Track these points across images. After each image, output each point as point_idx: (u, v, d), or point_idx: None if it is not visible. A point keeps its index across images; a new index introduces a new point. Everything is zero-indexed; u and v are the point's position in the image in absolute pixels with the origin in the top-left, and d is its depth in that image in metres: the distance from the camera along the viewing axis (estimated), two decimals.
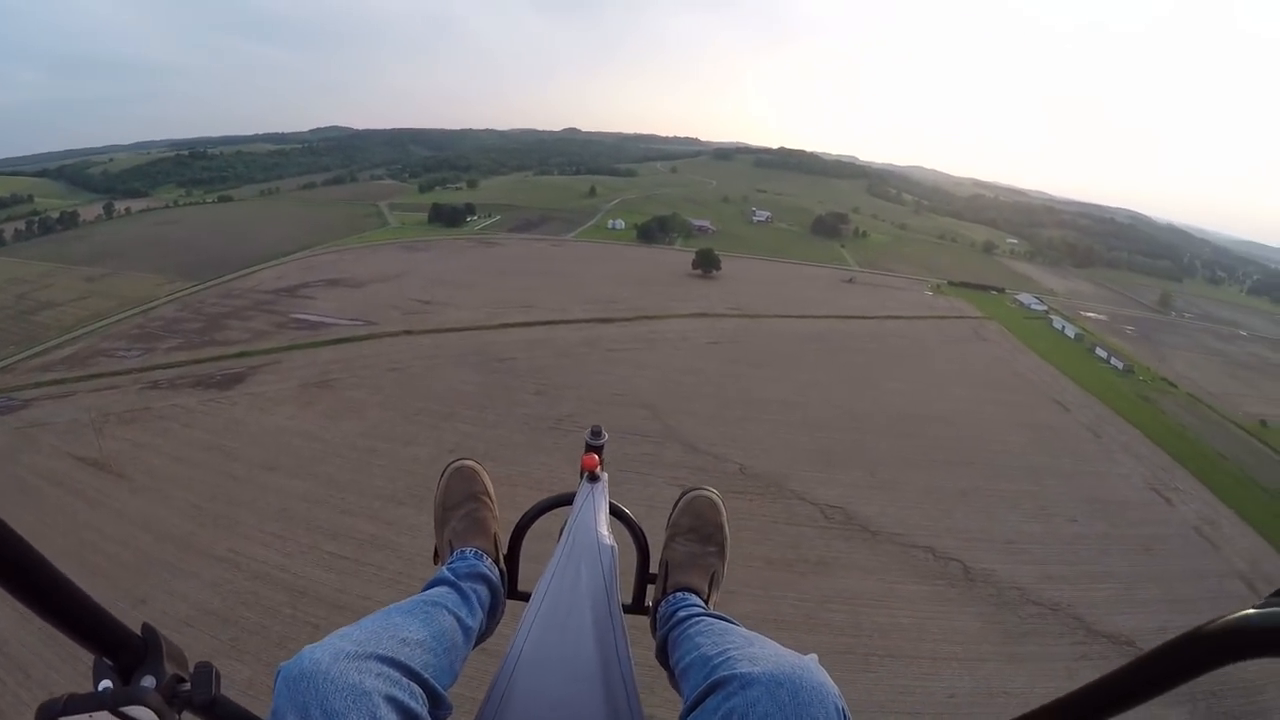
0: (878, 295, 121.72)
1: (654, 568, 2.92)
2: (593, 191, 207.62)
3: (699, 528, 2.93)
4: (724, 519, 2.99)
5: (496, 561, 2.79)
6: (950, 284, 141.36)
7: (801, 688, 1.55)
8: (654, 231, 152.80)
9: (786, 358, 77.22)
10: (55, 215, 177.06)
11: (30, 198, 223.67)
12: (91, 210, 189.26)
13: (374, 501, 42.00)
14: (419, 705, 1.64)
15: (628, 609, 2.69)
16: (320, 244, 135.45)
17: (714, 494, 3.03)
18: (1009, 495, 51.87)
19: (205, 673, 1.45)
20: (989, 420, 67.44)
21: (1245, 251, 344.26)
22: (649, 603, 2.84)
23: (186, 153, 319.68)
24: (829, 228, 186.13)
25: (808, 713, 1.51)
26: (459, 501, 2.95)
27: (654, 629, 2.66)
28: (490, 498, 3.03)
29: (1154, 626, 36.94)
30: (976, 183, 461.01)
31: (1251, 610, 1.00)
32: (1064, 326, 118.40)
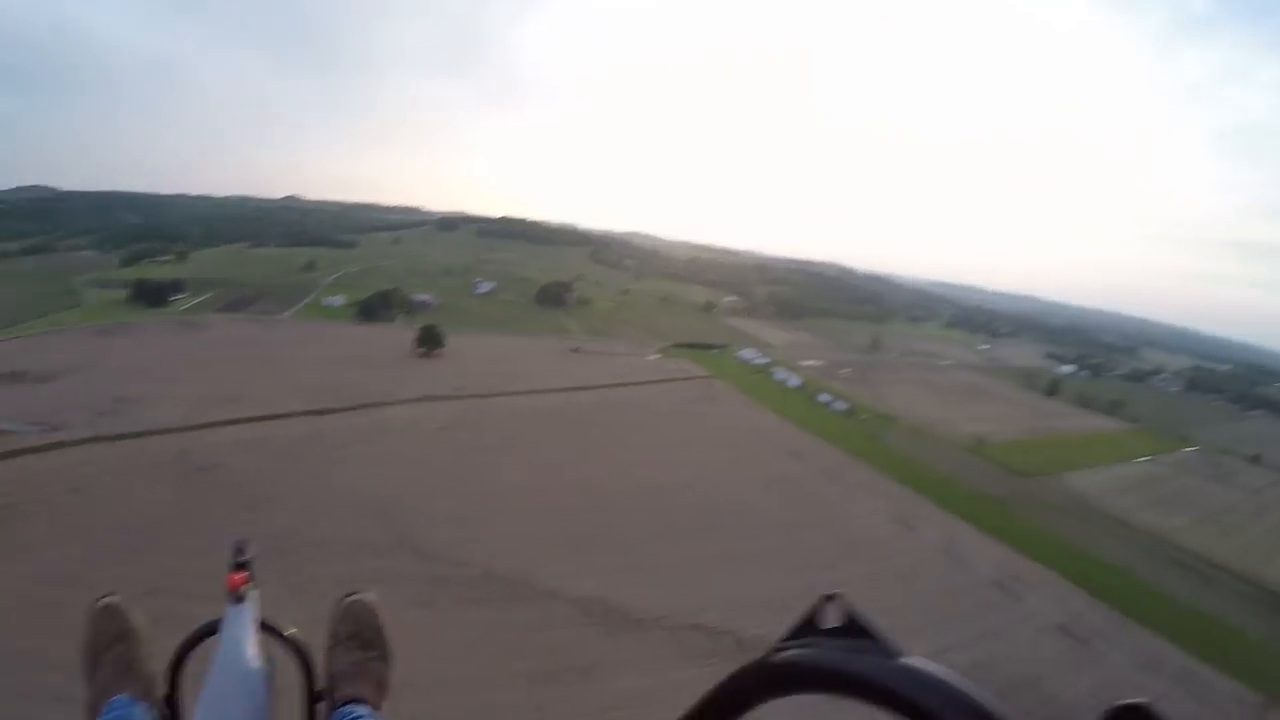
0: (606, 363, 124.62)
1: (322, 684, 2.74)
2: (311, 265, 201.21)
3: (359, 633, 2.81)
4: (382, 621, 2.88)
5: (154, 705, 2.55)
6: (676, 346, 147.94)
7: None
8: (374, 308, 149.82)
9: (522, 439, 76.99)
10: None
11: None
12: None
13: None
14: None
15: None
16: (1, 330, 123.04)
17: (369, 597, 2.93)
18: (766, 554, 53.60)
19: None
20: (733, 481, 69.78)
21: (939, 293, 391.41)
22: None
23: None
24: (553, 297, 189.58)
25: None
26: (106, 645, 2.67)
27: None
28: (141, 636, 2.74)
29: (933, 649, 38.39)
30: (693, 246, 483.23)
31: (767, 656, 1.07)
32: (786, 377, 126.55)
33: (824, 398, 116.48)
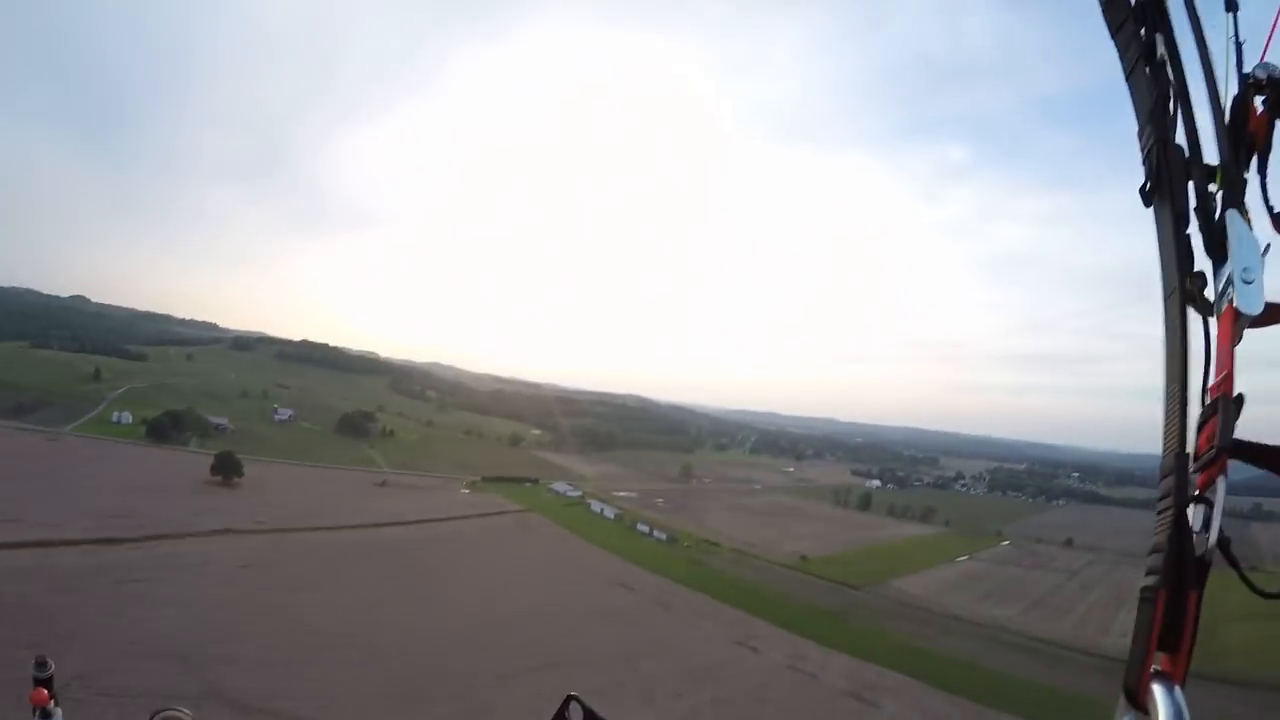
0: (415, 497, 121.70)
1: None
2: (98, 375, 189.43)
3: None
4: None
5: None
6: (485, 479, 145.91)
7: None
8: (166, 429, 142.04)
9: (334, 577, 73.43)
10: None
11: None
12: None
13: None
14: None
15: None
16: None
17: (185, 713, 2.89)
18: (612, 689, 51.65)
19: None
20: (563, 614, 68.20)
21: (740, 419, 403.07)
22: None
23: None
24: (356, 426, 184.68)
25: None
26: None
27: None
28: None
29: None
30: (495, 378, 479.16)
31: None
32: (601, 509, 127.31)
33: (643, 528, 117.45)
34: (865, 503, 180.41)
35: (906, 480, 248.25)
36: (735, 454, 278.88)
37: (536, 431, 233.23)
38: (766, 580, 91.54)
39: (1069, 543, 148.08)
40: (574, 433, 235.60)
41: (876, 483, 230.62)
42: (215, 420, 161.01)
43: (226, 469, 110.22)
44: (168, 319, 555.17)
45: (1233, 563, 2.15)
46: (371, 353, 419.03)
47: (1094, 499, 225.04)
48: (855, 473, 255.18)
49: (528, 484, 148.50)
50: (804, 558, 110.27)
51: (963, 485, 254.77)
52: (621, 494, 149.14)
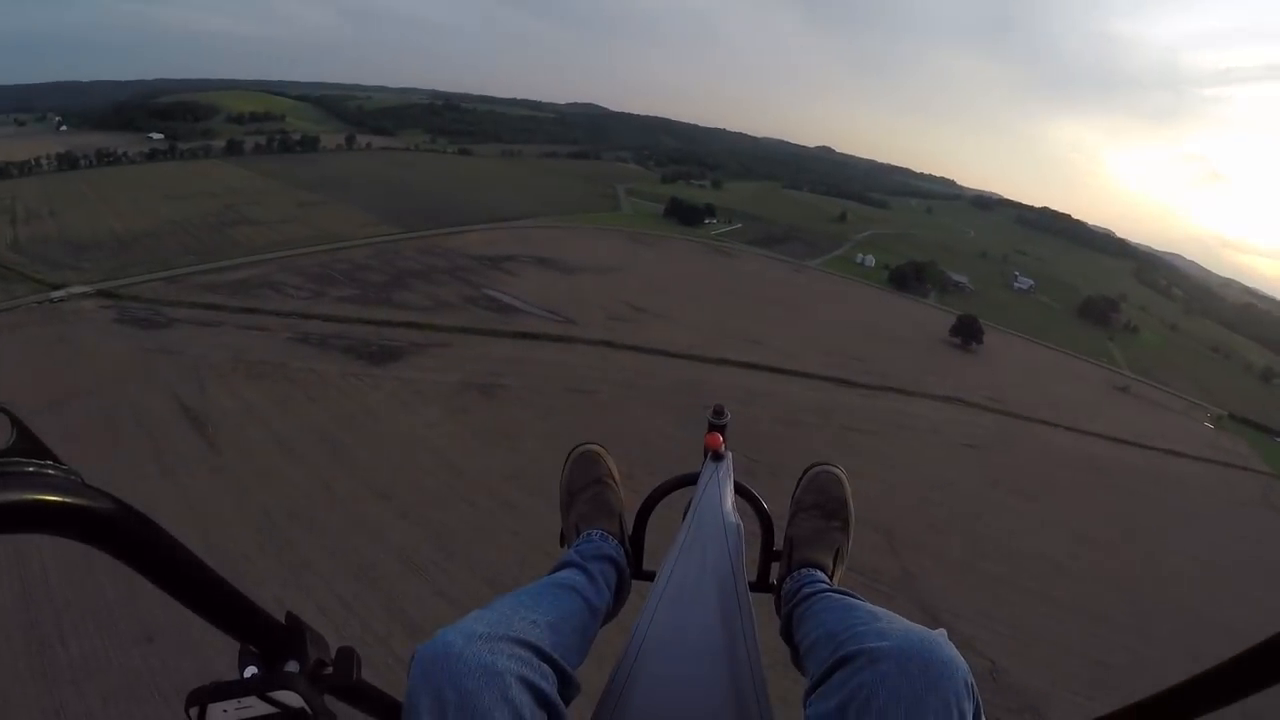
0: (1154, 416, 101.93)
1: (778, 545, 2.77)
2: (843, 217, 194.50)
3: (823, 503, 2.79)
4: (848, 494, 2.83)
5: (622, 543, 2.72)
6: (1231, 418, 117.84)
7: (932, 662, 1.53)
8: (907, 278, 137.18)
9: (1056, 489, 60.06)
10: (297, 137, 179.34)
11: (283, 117, 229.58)
12: (334, 139, 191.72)
13: (484, 589, 29.12)
14: (549, 685, 1.68)
15: (753, 587, 2.62)
16: (544, 215, 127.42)
17: (838, 469, 2.86)
18: None
19: (347, 657, 1.50)
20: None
21: None
22: (774, 580, 2.72)
23: (440, 101, 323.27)
24: (1098, 313, 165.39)
25: (937, 687, 1.49)
26: (584, 485, 2.89)
27: (778, 607, 2.54)
28: (615, 480, 2.95)
29: None
30: (1244, 288, 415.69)
31: None
32: None
33: None
34: None
35: None
36: None
37: None
38: None
39: None
40: None
41: None
42: (956, 277, 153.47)
43: (967, 332, 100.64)
44: (906, 172, 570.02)
45: None
46: (1108, 229, 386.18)
47: None
48: None
49: (1278, 439, 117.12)
50: None
51: None
52: None
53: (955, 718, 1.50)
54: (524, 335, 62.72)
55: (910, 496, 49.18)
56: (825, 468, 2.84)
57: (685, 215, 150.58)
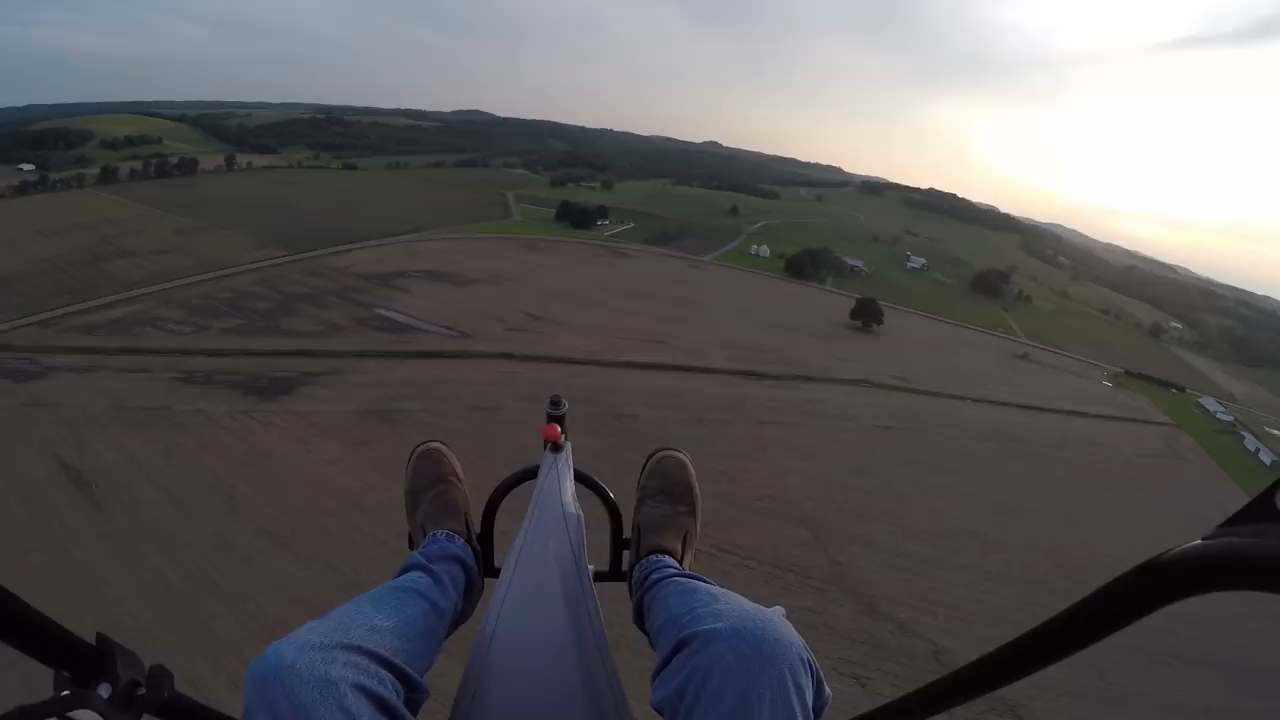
0: (1053, 380, 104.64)
1: (628, 533, 2.84)
2: (735, 210, 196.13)
3: (668, 488, 2.85)
4: (693, 478, 2.89)
5: (469, 541, 2.72)
6: (1128, 374, 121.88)
7: (764, 640, 1.59)
8: (804, 266, 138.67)
9: (972, 462, 60.97)
10: (175, 160, 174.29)
11: (160, 140, 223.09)
12: (214, 160, 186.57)
13: None
14: (389, 692, 1.67)
15: (605, 576, 2.74)
16: (434, 228, 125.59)
17: (682, 454, 2.93)
18: None
19: (159, 675, 1.48)
20: (1212, 600, 49.27)
21: None
22: (625, 568, 2.79)
23: (323, 115, 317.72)
24: (990, 286, 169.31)
25: (771, 665, 1.56)
26: (427, 485, 2.87)
27: (630, 594, 2.62)
28: (459, 478, 2.94)
29: None
30: (1125, 251, 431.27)
31: (1201, 541, 0.97)
32: (1258, 449, 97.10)
33: None
34: None
35: None
36: None
37: (1177, 325, 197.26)
38: None
39: None
40: (1218, 336, 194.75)
41: None
42: (851, 262, 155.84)
43: (868, 314, 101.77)
44: (793, 162, 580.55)
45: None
46: (992, 206, 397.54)
47: None
48: None
49: (1173, 390, 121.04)
50: None
51: None
52: (1276, 432, 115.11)
53: (791, 693, 1.56)
54: (421, 354, 61.04)
55: (830, 486, 49.19)
56: (668, 452, 2.88)
57: (577, 218, 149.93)
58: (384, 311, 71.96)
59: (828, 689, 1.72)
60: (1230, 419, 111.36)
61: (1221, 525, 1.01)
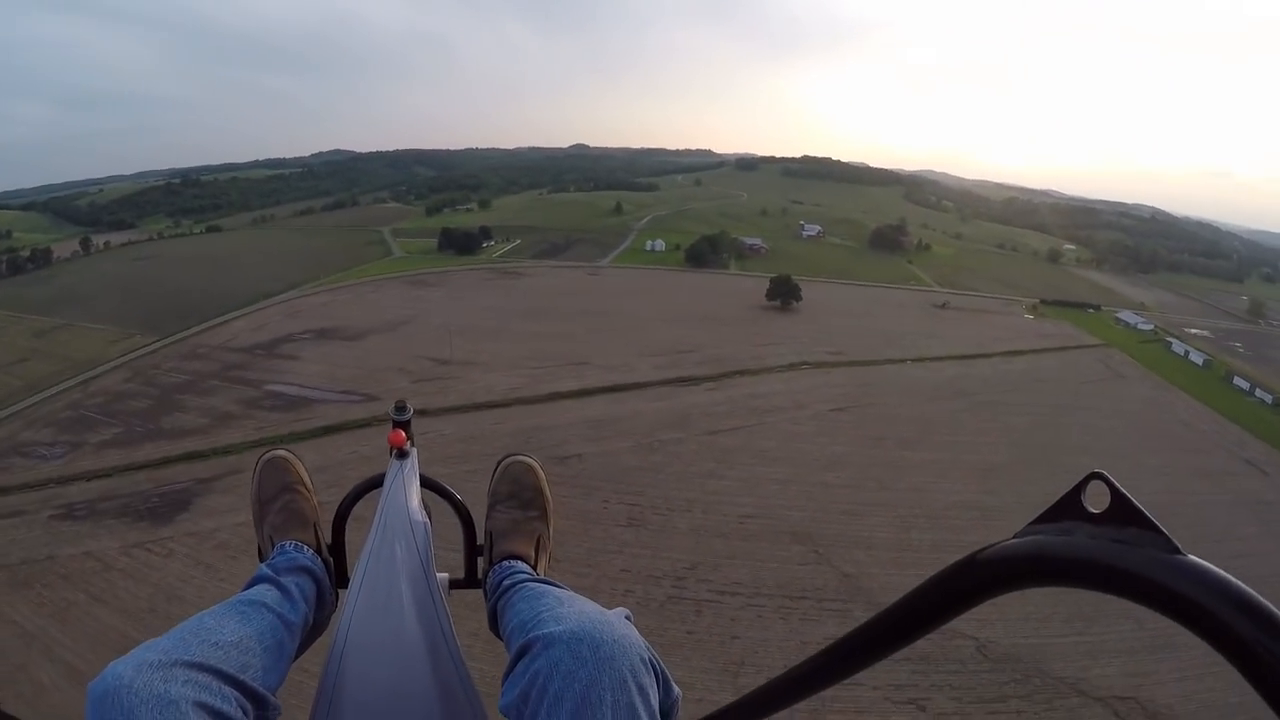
0: (979, 323, 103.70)
1: (482, 540, 2.83)
2: (619, 208, 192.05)
3: (518, 493, 2.83)
4: (543, 482, 2.87)
5: (319, 551, 2.65)
6: (1044, 303, 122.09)
7: (602, 641, 1.62)
8: (703, 253, 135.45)
9: (934, 427, 58.66)
10: (26, 253, 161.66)
11: (9, 233, 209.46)
12: (69, 246, 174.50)
13: None
14: (234, 709, 1.66)
15: (460, 584, 2.76)
16: (312, 281, 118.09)
17: (530, 458, 2.91)
18: None
19: None
20: (1200, 504, 48.88)
21: (1274, 244, 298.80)
22: (481, 575, 2.79)
23: (178, 180, 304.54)
24: (889, 241, 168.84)
25: (611, 666, 1.59)
26: (274, 495, 2.78)
27: (486, 601, 2.61)
28: (307, 488, 2.85)
29: None
30: (999, 185, 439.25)
31: (1013, 539, 1.00)
32: (1186, 351, 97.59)
33: (1241, 383, 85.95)
34: None
35: None
36: None
37: (1070, 247, 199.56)
38: None
39: None
40: (1110, 250, 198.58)
41: None
42: (750, 241, 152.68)
43: (785, 293, 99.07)
44: (664, 151, 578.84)
45: None
46: (864, 163, 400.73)
47: None
48: None
49: (1090, 310, 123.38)
50: None
51: None
52: (1193, 331, 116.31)
53: (633, 693, 1.59)
54: (326, 430, 54.84)
55: (809, 488, 46.52)
56: (516, 458, 2.87)
57: (461, 244, 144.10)
58: (275, 387, 65.40)
59: (676, 688, 1.79)
60: (1151, 327, 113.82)
61: (1031, 523, 1.01)
